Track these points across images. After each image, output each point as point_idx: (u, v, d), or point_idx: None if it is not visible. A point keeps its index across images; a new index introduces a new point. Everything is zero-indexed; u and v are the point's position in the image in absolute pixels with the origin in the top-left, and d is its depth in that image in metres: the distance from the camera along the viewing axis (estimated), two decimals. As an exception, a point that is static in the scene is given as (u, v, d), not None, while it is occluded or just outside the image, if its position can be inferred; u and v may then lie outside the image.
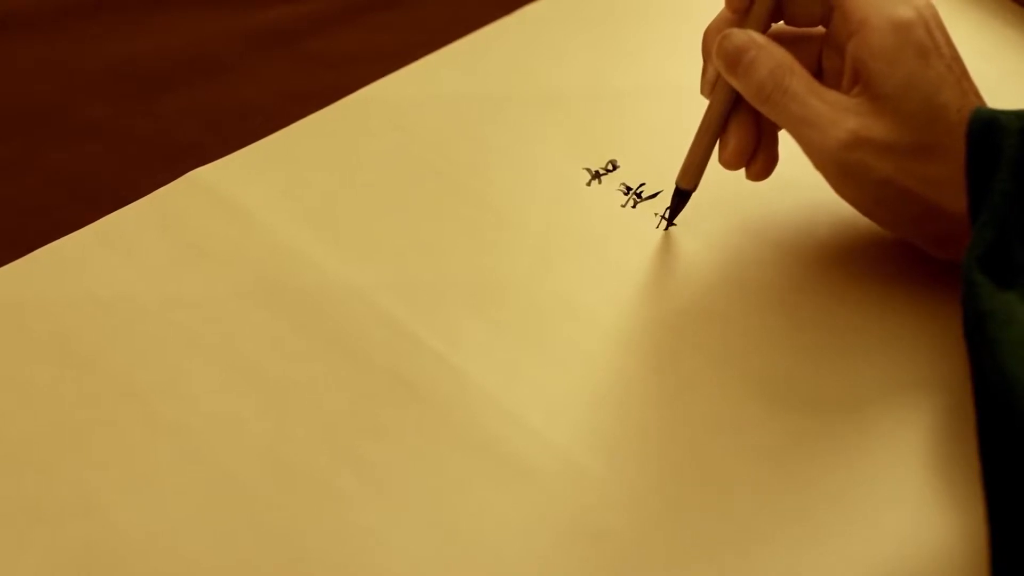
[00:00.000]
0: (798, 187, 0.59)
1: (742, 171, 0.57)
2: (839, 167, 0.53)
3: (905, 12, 0.52)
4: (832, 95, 0.53)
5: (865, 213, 0.55)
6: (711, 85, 0.57)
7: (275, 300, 0.56)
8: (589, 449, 0.51)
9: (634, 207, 0.61)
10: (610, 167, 0.62)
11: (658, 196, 0.61)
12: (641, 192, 0.61)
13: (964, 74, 0.53)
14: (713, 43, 0.55)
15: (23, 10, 0.70)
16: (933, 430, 0.52)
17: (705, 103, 0.57)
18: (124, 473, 0.50)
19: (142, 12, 0.71)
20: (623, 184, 0.62)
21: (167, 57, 0.69)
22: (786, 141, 0.56)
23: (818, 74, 0.55)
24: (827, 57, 0.55)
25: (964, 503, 0.49)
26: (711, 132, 0.57)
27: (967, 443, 0.50)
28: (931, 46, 0.52)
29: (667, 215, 0.60)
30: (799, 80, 0.53)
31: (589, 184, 0.62)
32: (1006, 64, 0.56)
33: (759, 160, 0.57)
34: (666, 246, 0.59)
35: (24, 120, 0.65)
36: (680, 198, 0.58)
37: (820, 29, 0.56)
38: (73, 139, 0.64)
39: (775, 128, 0.57)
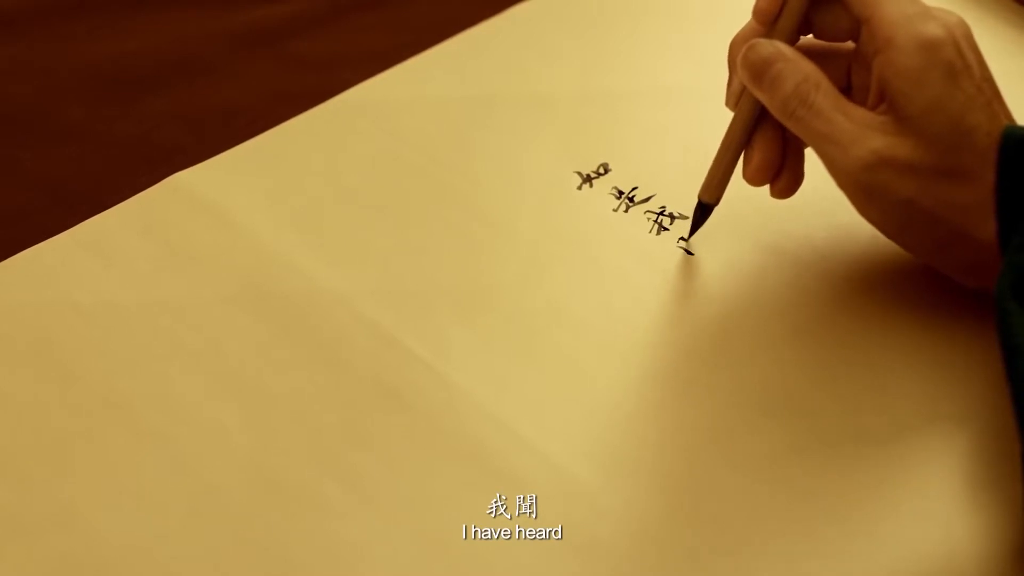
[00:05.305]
0: (797, 196, 0.58)
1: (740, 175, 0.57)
2: (861, 187, 0.51)
3: (934, 31, 0.50)
4: (858, 112, 0.51)
5: (890, 237, 0.54)
6: (736, 97, 0.55)
7: (259, 306, 0.55)
8: (580, 459, 0.50)
9: (626, 211, 0.60)
10: (601, 170, 0.62)
11: (650, 200, 0.60)
12: (633, 196, 0.61)
13: (996, 95, 0.51)
14: (739, 54, 0.54)
15: (0, 10, 0.70)
16: (931, 438, 0.51)
17: (709, 108, 0.56)
18: (105, 483, 0.49)
19: (122, 12, 0.71)
20: (615, 188, 0.61)
21: (148, 58, 0.68)
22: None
23: (847, 90, 0.54)
24: (856, 73, 0.54)
25: (967, 511, 0.48)
26: (735, 146, 0.55)
27: (968, 451, 0.50)
28: (960, 66, 0.50)
29: (660, 220, 0.59)
30: (825, 95, 0.52)
31: (580, 188, 0.61)
32: (1006, 64, 0.55)
33: (784, 177, 0.55)
34: (659, 252, 0.58)
35: (1, 123, 0.64)
36: (702, 212, 0.57)
37: (850, 44, 0.54)
38: (52, 142, 0.64)
39: (802, 144, 0.55)
